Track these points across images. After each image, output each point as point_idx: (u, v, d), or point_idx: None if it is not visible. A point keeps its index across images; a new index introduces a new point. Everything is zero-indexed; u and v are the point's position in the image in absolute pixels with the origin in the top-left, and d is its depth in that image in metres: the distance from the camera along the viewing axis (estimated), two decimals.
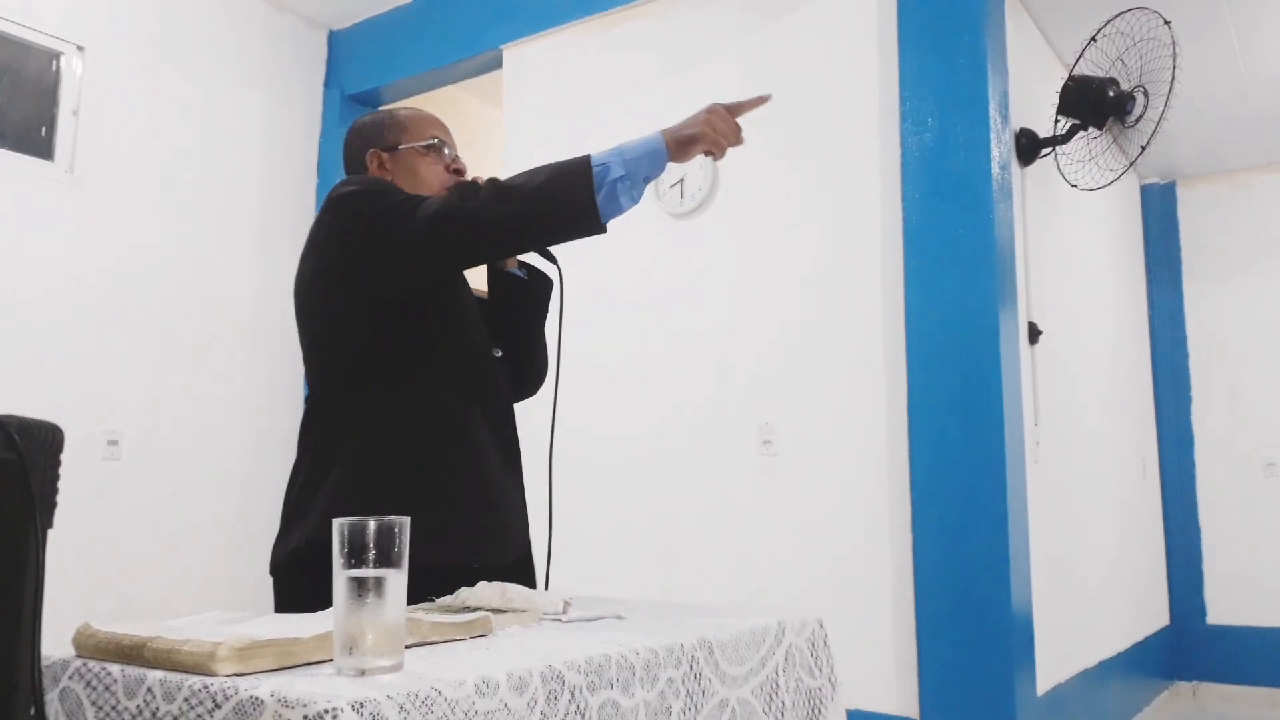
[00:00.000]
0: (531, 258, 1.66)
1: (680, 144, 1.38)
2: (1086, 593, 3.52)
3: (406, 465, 1.39)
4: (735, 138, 1.43)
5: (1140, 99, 3.09)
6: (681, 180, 3.10)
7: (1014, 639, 2.46)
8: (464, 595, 1.19)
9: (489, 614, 1.07)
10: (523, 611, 1.14)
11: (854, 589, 2.65)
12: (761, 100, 1.46)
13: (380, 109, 1.68)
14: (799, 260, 2.89)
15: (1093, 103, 3.07)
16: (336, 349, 1.44)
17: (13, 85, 3.12)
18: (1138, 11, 3.02)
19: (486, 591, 1.18)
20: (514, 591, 1.17)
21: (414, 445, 1.41)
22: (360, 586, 0.84)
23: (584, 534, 3.13)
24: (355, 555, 0.85)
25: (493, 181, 1.40)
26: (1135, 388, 4.67)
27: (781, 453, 2.83)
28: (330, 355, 1.45)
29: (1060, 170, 3.24)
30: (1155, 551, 4.77)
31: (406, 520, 0.88)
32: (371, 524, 0.85)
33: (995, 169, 2.67)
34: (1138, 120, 3.11)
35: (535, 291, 1.67)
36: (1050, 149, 3.15)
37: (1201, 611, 4.80)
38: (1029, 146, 3.09)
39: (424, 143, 1.58)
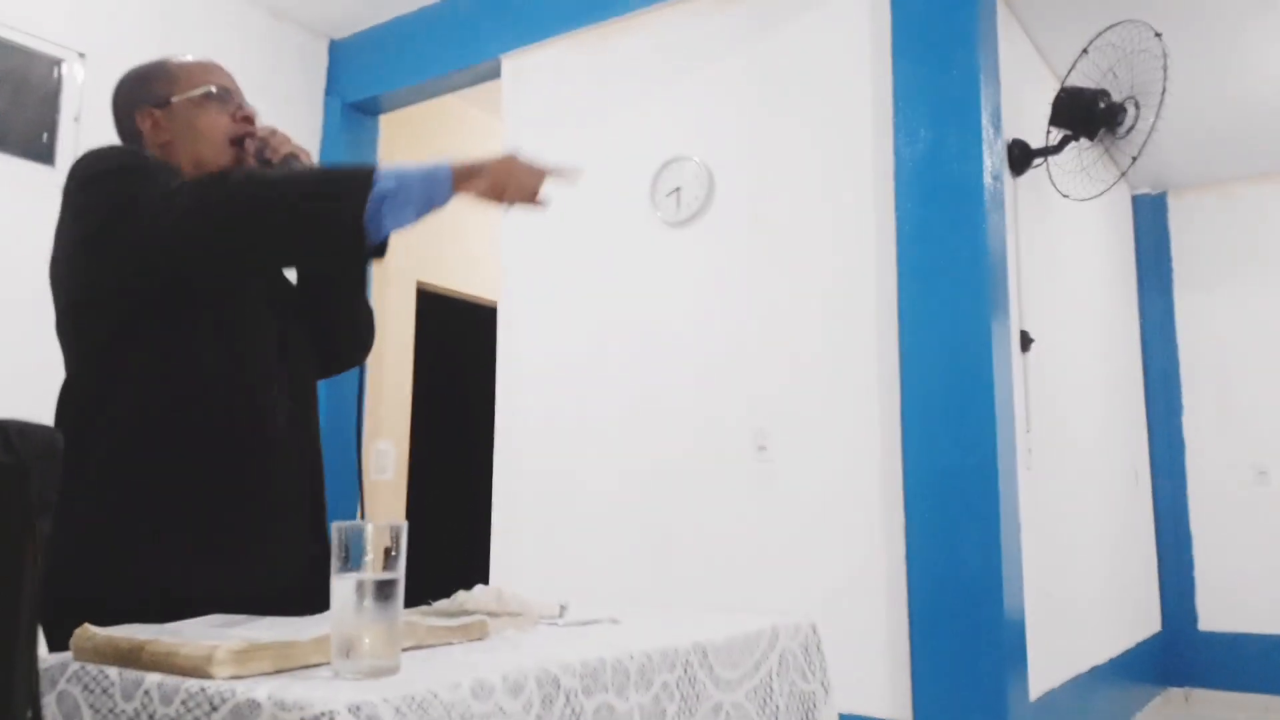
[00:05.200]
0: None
1: (465, 174, 1.24)
2: (1078, 599, 3.54)
3: (158, 474, 1.23)
4: (528, 194, 1.28)
5: (1131, 110, 3.11)
6: (678, 189, 3.12)
7: (1006, 644, 2.47)
8: (460, 599, 1.19)
9: (485, 617, 1.08)
10: (518, 615, 1.15)
11: (848, 593, 2.66)
12: (570, 175, 1.34)
13: (150, 61, 1.46)
14: (793, 269, 2.91)
15: (1084, 114, 3.10)
16: (89, 331, 1.28)
17: (14, 91, 3.12)
18: (1129, 24, 3.05)
19: (483, 595, 1.19)
20: (510, 595, 1.18)
21: (171, 448, 1.24)
22: (358, 590, 0.84)
23: (580, 544, 3.14)
24: (352, 559, 0.85)
25: (250, 175, 1.26)
26: (1127, 395, 4.70)
27: (776, 459, 2.84)
28: (84, 336, 1.29)
29: (1052, 180, 3.26)
30: (1147, 558, 4.79)
31: (404, 524, 0.88)
32: (369, 527, 0.86)
33: (987, 179, 2.68)
34: (1129, 131, 3.13)
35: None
36: (1042, 159, 3.17)
37: (1193, 618, 4.82)
38: (1021, 157, 3.11)
39: (200, 91, 1.39)
